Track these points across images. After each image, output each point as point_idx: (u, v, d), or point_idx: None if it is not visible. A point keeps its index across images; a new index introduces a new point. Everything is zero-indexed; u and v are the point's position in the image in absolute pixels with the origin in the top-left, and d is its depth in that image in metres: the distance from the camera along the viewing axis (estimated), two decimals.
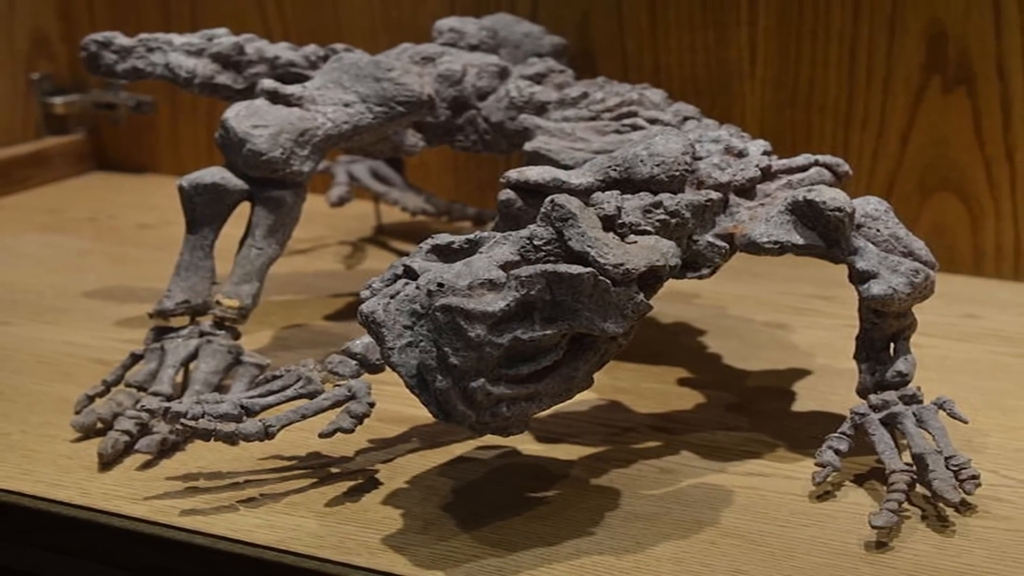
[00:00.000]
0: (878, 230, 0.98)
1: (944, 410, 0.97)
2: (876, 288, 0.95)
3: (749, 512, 0.93)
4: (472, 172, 1.60)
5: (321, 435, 0.96)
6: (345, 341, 1.02)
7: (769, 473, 0.99)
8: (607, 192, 0.94)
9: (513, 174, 0.98)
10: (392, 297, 0.85)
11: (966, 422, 0.97)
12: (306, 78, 1.22)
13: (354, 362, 1.00)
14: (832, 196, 0.95)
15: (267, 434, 0.94)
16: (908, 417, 0.96)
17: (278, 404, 0.97)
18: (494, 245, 0.87)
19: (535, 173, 0.97)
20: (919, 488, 0.93)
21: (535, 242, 0.86)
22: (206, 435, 0.93)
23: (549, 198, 0.87)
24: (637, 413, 1.09)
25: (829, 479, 0.95)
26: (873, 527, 0.88)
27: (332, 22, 1.62)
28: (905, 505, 0.91)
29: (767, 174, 1.02)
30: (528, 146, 1.14)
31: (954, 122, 1.39)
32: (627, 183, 0.96)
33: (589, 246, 0.85)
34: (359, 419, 0.96)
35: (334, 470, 0.99)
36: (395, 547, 0.89)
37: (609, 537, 0.90)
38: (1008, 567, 0.86)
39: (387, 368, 0.89)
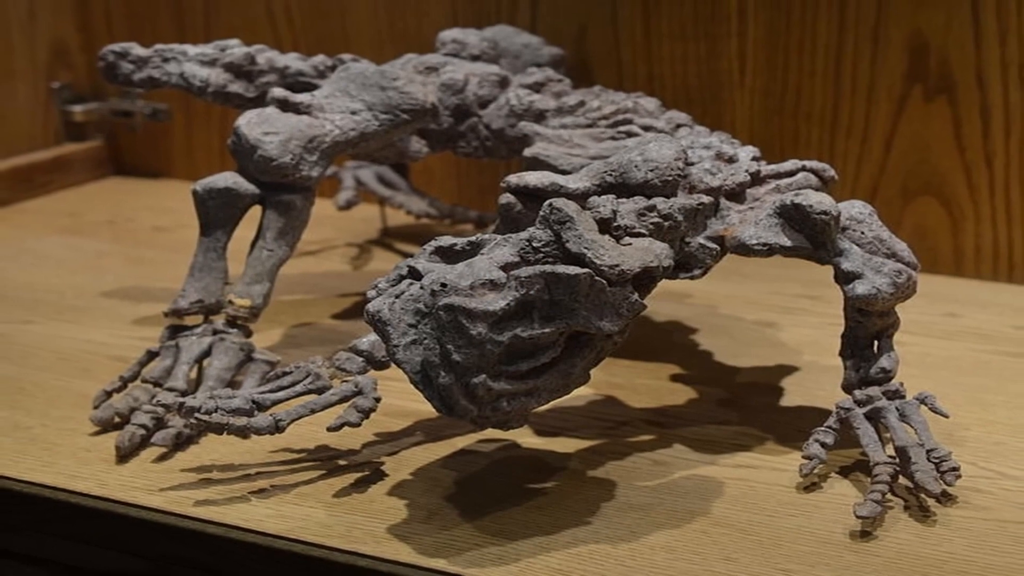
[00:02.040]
0: (862, 232, 0.98)
1: (926, 405, 0.97)
2: (861, 288, 0.95)
3: (739, 503, 0.93)
4: (474, 177, 1.60)
5: (329, 429, 0.96)
6: (352, 339, 1.02)
7: (758, 465, 0.98)
8: (603, 196, 0.94)
9: (513, 179, 0.97)
10: (397, 297, 0.85)
11: (947, 416, 0.97)
12: (315, 87, 1.22)
13: (361, 359, 1.00)
14: (818, 200, 0.95)
15: (277, 428, 0.94)
16: (891, 412, 0.96)
17: (288, 399, 0.97)
18: (495, 247, 0.87)
19: (534, 178, 0.97)
20: (902, 480, 0.93)
21: (534, 244, 0.86)
22: (219, 429, 0.93)
23: (548, 202, 0.86)
24: (632, 408, 1.09)
25: (815, 471, 0.95)
26: (858, 517, 0.88)
27: (340, 33, 1.62)
28: (888, 496, 0.91)
29: (756, 179, 1.01)
30: (527, 152, 1.14)
31: (935, 129, 1.39)
32: (622, 187, 0.96)
33: (586, 248, 0.85)
34: (365, 414, 0.96)
35: (341, 462, 0.99)
36: (400, 536, 0.89)
37: (605, 526, 0.90)
38: (987, 555, 0.86)
39: (392, 365, 0.89)
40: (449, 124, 1.21)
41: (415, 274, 0.86)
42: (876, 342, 0.98)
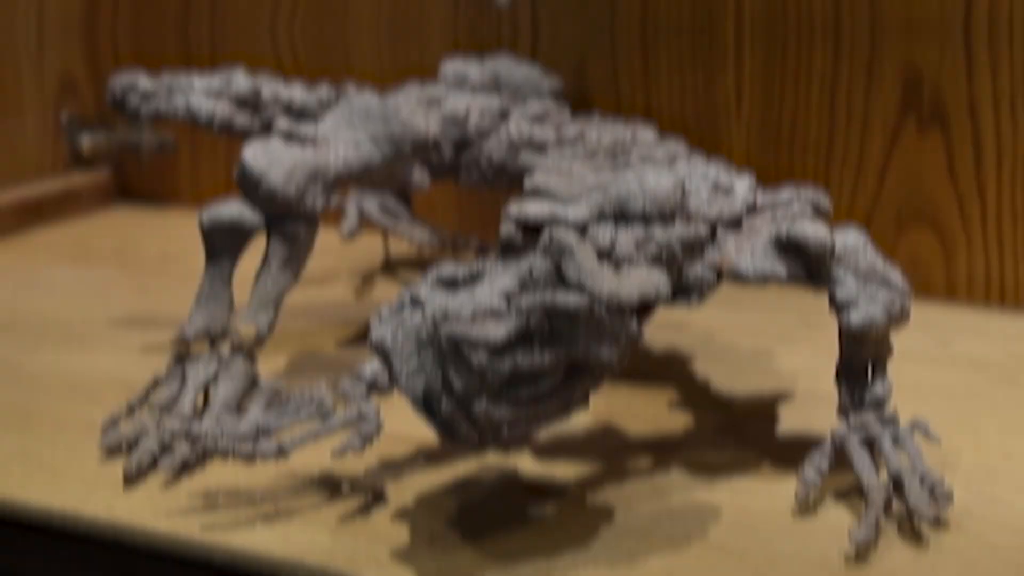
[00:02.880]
0: (856, 261, 0.98)
1: (919, 431, 0.97)
2: (855, 316, 0.95)
3: (736, 527, 0.93)
4: (475, 207, 1.60)
5: (333, 454, 0.96)
6: (356, 366, 1.02)
7: (755, 491, 0.99)
8: (602, 225, 0.94)
9: (513, 209, 0.98)
10: (400, 325, 0.86)
11: (940, 442, 0.98)
12: (319, 119, 1.23)
13: (364, 386, 1.00)
14: (813, 229, 0.96)
15: (282, 453, 0.94)
16: (885, 438, 0.96)
17: (292, 425, 0.97)
18: (495, 275, 0.87)
19: (534, 208, 0.98)
20: (896, 504, 0.93)
21: (534, 273, 0.86)
22: (225, 454, 0.93)
23: (547, 231, 0.87)
24: (630, 434, 1.09)
25: (811, 496, 0.95)
26: (852, 542, 0.88)
27: (343, 64, 1.63)
28: (882, 521, 0.91)
29: (752, 208, 1.02)
30: (528, 183, 1.14)
31: (928, 159, 1.39)
32: (621, 217, 0.96)
33: (585, 277, 0.86)
34: (369, 439, 0.96)
35: (345, 488, 0.99)
36: (402, 560, 0.89)
37: (604, 551, 0.90)
38: None
39: (395, 391, 0.89)
40: (451, 155, 1.21)
41: (417, 302, 0.87)
42: (870, 369, 0.98)
